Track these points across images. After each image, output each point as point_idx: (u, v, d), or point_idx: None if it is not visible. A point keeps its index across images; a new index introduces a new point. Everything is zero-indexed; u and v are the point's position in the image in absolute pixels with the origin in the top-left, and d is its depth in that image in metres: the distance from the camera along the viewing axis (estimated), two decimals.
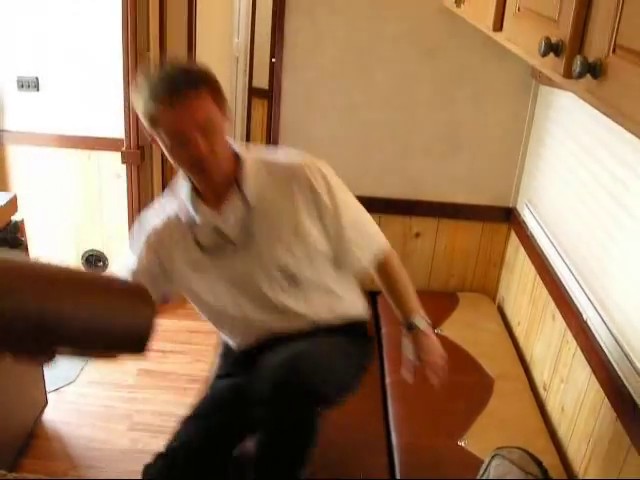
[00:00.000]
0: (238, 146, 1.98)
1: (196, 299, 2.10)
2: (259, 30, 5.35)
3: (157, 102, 1.76)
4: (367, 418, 2.53)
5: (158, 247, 2.00)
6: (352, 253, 2.08)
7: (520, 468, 1.82)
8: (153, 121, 1.81)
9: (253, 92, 5.60)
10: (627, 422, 1.93)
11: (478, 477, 1.90)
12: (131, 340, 1.66)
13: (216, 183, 1.91)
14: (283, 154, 2.10)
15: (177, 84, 1.75)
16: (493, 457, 1.90)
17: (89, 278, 1.80)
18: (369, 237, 2.14)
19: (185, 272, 2.01)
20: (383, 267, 2.14)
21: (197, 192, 1.96)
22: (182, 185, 2.00)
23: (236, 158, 1.95)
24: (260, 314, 2.04)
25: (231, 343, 2.20)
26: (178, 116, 1.75)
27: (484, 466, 1.90)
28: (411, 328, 2.07)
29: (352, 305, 2.19)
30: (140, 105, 1.83)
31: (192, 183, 1.95)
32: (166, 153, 1.87)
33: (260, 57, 5.33)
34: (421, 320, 2.08)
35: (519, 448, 1.90)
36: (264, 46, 5.16)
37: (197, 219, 1.96)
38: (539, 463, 1.86)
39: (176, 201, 2.02)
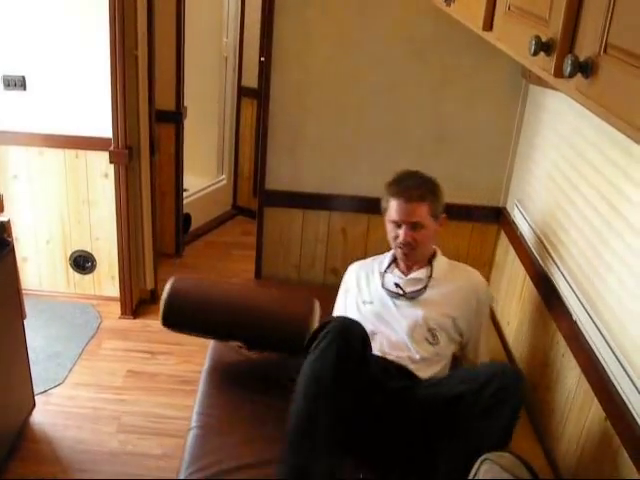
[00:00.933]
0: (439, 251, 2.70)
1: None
2: (248, 29, 5.32)
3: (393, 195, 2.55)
4: None
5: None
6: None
7: (510, 473, 1.79)
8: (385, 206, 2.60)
9: (242, 92, 5.56)
10: (616, 422, 1.92)
11: None
12: None
13: (411, 261, 2.62)
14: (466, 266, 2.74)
15: (411, 191, 2.51)
16: (482, 462, 1.85)
17: None
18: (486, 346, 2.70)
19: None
20: None
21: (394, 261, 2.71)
22: (385, 256, 2.74)
23: (434, 252, 2.67)
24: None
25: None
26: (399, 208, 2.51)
27: (473, 472, 1.86)
28: None
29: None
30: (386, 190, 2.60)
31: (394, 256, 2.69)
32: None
33: (249, 56, 5.31)
34: None
35: (509, 452, 1.87)
36: (254, 45, 5.15)
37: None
38: (530, 468, 1.82)
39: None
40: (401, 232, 2.51)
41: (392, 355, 2.46)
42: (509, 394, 2.03)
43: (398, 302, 2.58)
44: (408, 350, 2.48)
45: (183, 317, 2.64)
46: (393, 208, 2.52)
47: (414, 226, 2.50)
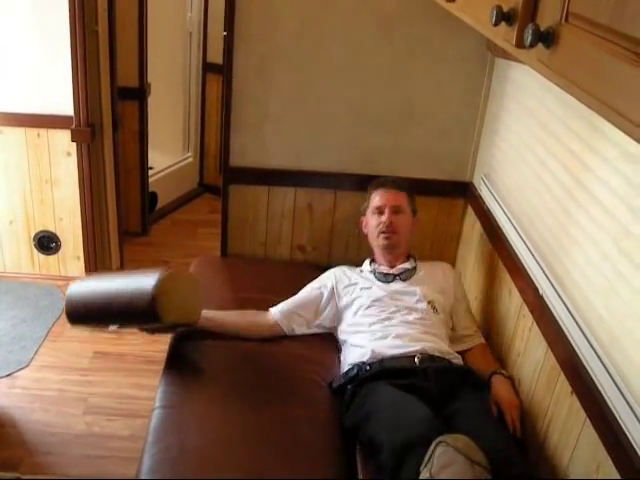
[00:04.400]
0: None
1: None
2: (213, 4, 5.24)
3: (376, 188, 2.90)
4: None
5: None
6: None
7: (465, 456, 1.78)
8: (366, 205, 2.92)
9: (207, 68, 5.50)
10: (583, 396, 1.93)
11: (422, 467, 1.83)
12: None
13: (393, 254, 2.83)
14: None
15: (391, 182, 2.91)
16: (437, 445, 1.82)
17: None
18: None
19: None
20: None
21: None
22: (365, 263, 2.93)
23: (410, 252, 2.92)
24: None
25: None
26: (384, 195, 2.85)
27: (428, 455, 1.84)
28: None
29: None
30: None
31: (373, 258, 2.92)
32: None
33: (214, 31, 5.23)
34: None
35: (464, 434, 1.86)
36: (218, 20, 5.05)
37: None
38: (485, 450, 1.82)
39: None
40: (384, 216, 2.77)
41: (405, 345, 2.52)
42: None
43: (393, 285, 2.76)
44: (422, 320, 2.63)
45: (80, 313, 2.54)
46: (376, 197, 2.84)
47: (396, 210, 2.78)
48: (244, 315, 2.75)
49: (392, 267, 2.82)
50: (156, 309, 2.33)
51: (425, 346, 2.47)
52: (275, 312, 2.74)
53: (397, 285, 2.76)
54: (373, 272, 2.82)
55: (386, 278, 2.78)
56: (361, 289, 2.76)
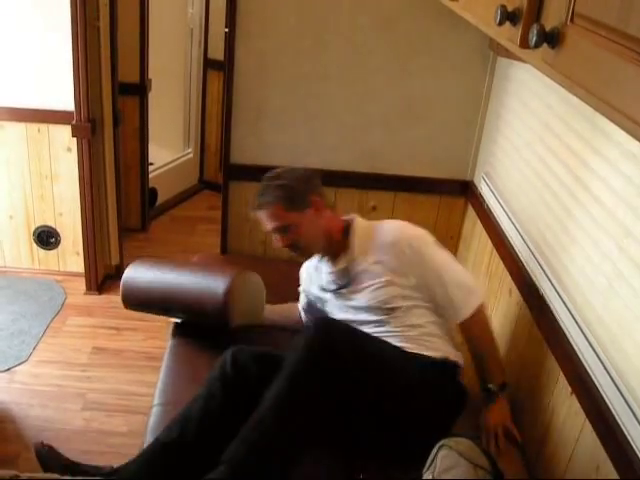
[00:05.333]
0: (355, 218, 2.49)
1: None
2: (214, 0, 5.24)
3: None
4: None
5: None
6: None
7: (468, 460, 1.78)
8: None
9: (209, 64, 5.49)
10: (582, 396, 1.93)
11: (425, 470, 1.83)
12: None
13: (321, 255, 2.51)
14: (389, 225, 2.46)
15: (259, 199, 2.40)
16: (440, 448, 1.82)
17: None
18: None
19: None
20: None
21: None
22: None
23: (345, 227, 2.47)
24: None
25: None
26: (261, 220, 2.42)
27: (430, 458, 1.84)
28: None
29: None
30: None
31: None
32: None
33: (215, 28, 5.22)
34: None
35: (467, 438, 1.86)
36: (220, 17, 5.06)
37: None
38: (488, 454, 1.82)
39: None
40: (275, 241, 2.45)
41: None
42: None
43: (342, 292, 2.46)
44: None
45: (140, 299, 2.72)
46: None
47: (281, 230, 2.38)
48: (292, 308, 2.77)
49: (334, 261, 2.47)
50: (227, 317, 2.50)
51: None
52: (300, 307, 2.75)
53: (343, 292, 2.46)
54: (320, 279, 2.56)
55: (331, 291, 2.50)
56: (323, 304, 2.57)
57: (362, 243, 2.41)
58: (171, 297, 2.62)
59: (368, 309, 2.36)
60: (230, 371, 2.19)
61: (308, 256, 2.56)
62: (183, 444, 2.08)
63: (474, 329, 2.34)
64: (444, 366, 2.29)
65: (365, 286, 2.37)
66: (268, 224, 2.38)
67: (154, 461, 2.10)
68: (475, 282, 2.34)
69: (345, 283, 2.43)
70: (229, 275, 2.54)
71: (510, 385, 2.36)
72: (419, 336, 2.31)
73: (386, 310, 2.33)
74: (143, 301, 2.70)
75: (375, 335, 2.29)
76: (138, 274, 2.70)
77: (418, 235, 2.37)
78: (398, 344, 2.27)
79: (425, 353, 2.26)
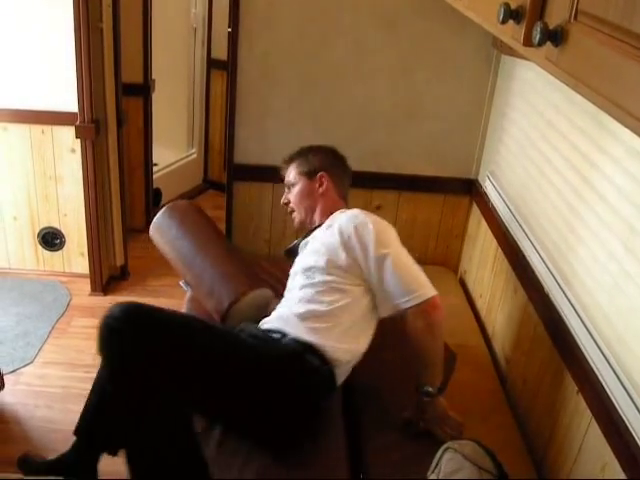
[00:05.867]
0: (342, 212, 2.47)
1: None
2: (217, 0, 5.24)
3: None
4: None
5: None
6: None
7: (473, 462, 1.76)
8: None
9: (212, 64, 5.48)
10: (588, 395, 1.92)
11: (429, 472, 1.83)
12: None
13: (306, 225, 2.61)
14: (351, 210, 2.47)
15: (284, 159, 2.70)
16: (445, 451, 1.81)
17: None
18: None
19: None
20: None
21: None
22: None
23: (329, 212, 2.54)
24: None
25: None
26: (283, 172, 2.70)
27: (435, 461, 1.83)
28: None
29: None
30: None
31: None
32: None
33: (219, 28, 5.22)
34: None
35: (472, 440, 1.85)
36: (223, 16, 5.04)
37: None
38: (493, 456, 1.80)
39: None
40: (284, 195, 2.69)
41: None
42: None
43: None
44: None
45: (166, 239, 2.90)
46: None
47: (289, 187, 2.65)
48: None
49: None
50: (224, 322, 2.61)
51: None
52: None
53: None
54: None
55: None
56: None
57: (327, 224, 2.47)
58: (190, 265, 2.81)
59: (299, 272, 2.42)
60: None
61: (296, 222, 2.65)
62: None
63: (418, 322, 2.19)
64: (304, 354, 2.21)
65: (304, 252, 2.49)
66: (285, 177, 2.66)
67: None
68: (426, 280, 2.26)
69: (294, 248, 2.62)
70: (240, 289, 2.64)
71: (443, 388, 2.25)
72: (317, 315, 2.27)
73: (307, 275, 2.37)
74: (169, 243, 2.89)
75: (294, 298, 2.36)
76: (171, 220, 2.91)
77: (369, 222, 2.33)
78: (301, 311, 2.29)
79: (302, 336, 2.22)
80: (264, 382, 2.12)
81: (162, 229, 2.90)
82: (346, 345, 2.24)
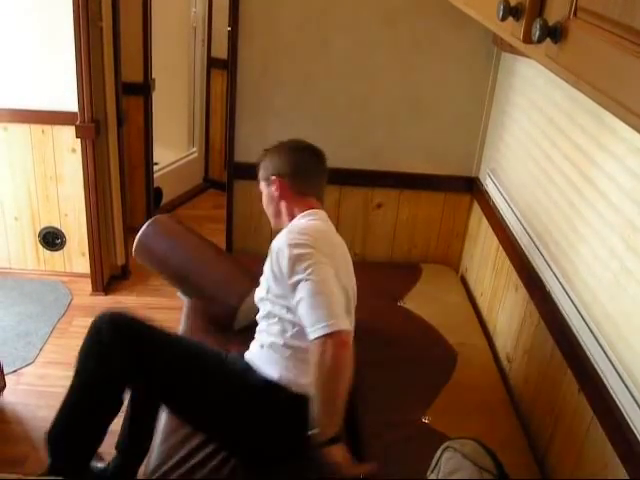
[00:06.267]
0: (303, 217, 2.35)
1: None
2: None
3: None
4: None
5: None
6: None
7: (473, 462, 1.75)
8: None
9: (212, 63, 5.48)
10: (590, 394, 1.92)
11: (429, 472, 1.81)
12: None
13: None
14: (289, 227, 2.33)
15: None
16: (444, 450, 1.79)
17: None
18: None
19: None
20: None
21: None
22: None
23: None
24: None
25: None
26: None
27: (435, 460, 1.82)
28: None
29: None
30: None
31: None
32: None
33: (219, 27, 5.21)
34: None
35: (472, 439, 1.84)
36: (223, 15, 5.03)
37: None
38: (493, 455, 1.79)
39: None
40: None
41: None
42: None
43: None
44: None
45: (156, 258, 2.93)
46: None
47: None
48: None
49: None
50: (232, 323, 2.69)
51: None
52: None
53: None
54: None
55: None
56: None
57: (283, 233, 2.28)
58: (186, 276, 2.81)
59: (257, 302, 2.35)
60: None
61: (272, 226, 2.54)
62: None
63: (317, 356, 1.91)
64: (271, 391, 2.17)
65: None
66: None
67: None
68: (341, 313, 1.98)
69: None
70: (243, 289, 2.71)
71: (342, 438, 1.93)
72: (267, 346, 2.23)
73: (261, 306, 2.31)
74: (151, 262, 2.94)
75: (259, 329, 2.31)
76: (156, 237, 2.92)
77: (287, 246, 2.12)
78: (255, 347, 2.29)
79: (261, 369, 2.20)
80: (237, 417, 2.17)
81: (149, 247, 2.91)
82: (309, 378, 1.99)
